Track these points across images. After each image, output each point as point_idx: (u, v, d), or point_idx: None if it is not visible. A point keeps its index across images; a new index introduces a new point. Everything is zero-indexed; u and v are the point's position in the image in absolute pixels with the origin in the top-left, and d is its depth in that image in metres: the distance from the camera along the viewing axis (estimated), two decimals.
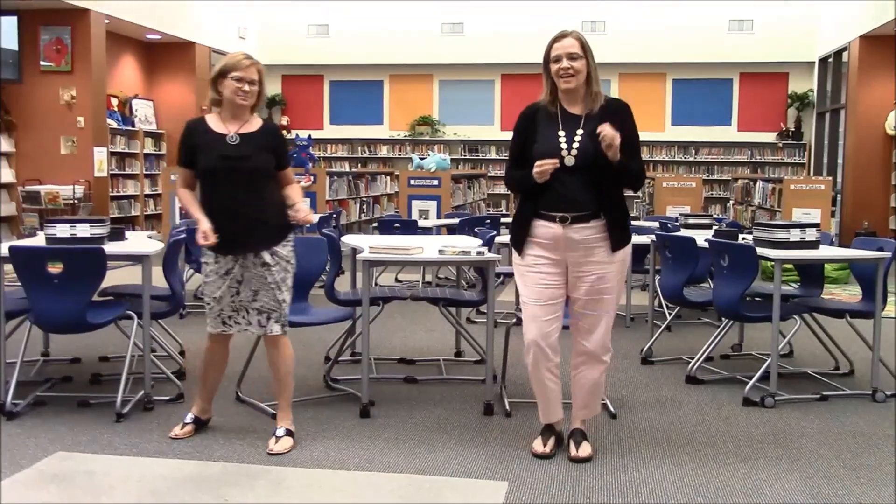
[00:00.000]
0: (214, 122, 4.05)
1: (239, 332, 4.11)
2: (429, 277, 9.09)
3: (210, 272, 4.04)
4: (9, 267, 4.47)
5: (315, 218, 3.94)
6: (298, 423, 4.33)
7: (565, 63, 3.73)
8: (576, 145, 3.74)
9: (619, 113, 3.82)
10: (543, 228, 3.80)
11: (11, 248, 4.40)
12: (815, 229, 5.17)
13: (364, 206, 13.26)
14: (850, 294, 8.44)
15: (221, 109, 4.06)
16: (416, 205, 10.94)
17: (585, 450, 3.92)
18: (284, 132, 17.52)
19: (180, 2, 14.41)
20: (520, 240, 3.87)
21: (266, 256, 3.98)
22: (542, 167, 3.69)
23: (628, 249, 3.90)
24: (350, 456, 3.92)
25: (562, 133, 3.77)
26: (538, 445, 3.95)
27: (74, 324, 4.49)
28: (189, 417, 4.21)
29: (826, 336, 5.60)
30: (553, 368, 3.91)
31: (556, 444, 3.99)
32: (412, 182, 11.15)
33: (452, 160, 15.86)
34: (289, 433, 4.06)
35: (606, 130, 3.61)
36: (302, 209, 4.06)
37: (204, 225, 3.91)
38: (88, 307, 4.46)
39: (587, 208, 3.75)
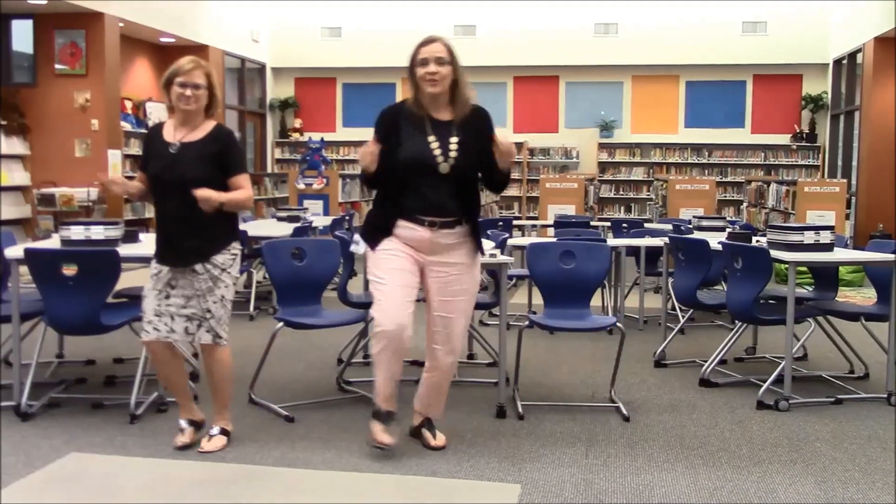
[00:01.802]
0: (168, 128, 4.01)
1: (158, 338, 3.94)
2: None
3: (152, 280, 3.99)
4: (24, 269, 4.49)
5: (216, 200, 3.80)
6: (312, 425, 4.34)
7: (432, 67, 3.75)
8: (453, 154, 3.79)
9: (484, 120, 3.90)
10: (409, 231, 3.84)
11: (27, 250, 4.43)
12: (829, 232, 5.15)
13: None
14: (864, 297, 8.40)
15: (175, 115, 4.01)
16: None
17: (441, 439, 4.08)
18: (297, 135, 17.60)
19: (193, 5, 14.46)
20: (376, 237, 3.88)
21: (199, 267, 3.91)
22: (366, 159, 3.74)
23: (479, 259, 4.02)
24: (362, 458, 3.92)
25: (432, 139, 3.80)
26: (379, 433, 3.94)
27: (89, 325, 4.51)
28: (183, 423, 4.11)
29: (841, 339, 5.57)
30: (405, 354, 3.98)
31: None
32: None
33: None
34: (224, 432, 4.07)
35: (504, 142, 3.72)
36: (207, 193, 3.80)
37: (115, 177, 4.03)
38: (103, 309, 4.49)
39: (455, 214, 3.84)
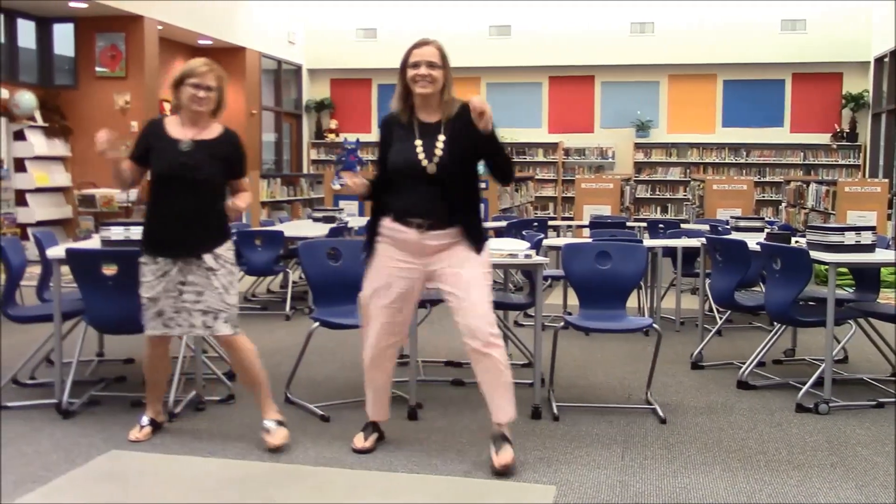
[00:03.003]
0: (173, 125, 4.06)
1: (181, 333, 4.14)
2: None
3: (147, 272, 4.03)
4: (65, 269, 4.56)
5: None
6: (346, 425, 4.36)
7: (423, 70, 3.75)
8: (438, 153, 3.78)
9: (467, 111, 3.78)
10: (397, 233, 3.85)
11: (68, 251, 4.50)
12: (870, 232, 5.07)
13: None
14: None
15: (181, 115, 4.07)
16: None
17: (505, 457, 3.82)
18: (333, 135, 17.70)
19: (231, 7, 14.60)
20: (370, 242, 3.95)
21: (210, 261, 3.99)
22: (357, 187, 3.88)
23: (486, 258, 3.89)
24: (397, 458, 3.93)
25: (419, 143, 3.81)
26: (358, 440, 4.05)
27: (128, 325, 4.55)
28: (145, 420, 4.20)
29: (882, 341, 5.48)
30: (390, 368, 4.05)
31: (375, 441, 4.08)
32: None
33: None
34: (280, 423, 4.10)
35: (475, 100, 3.65)
36: (236, 204, 4.09)
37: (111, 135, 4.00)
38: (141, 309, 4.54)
39: (442, 216, 3.80)
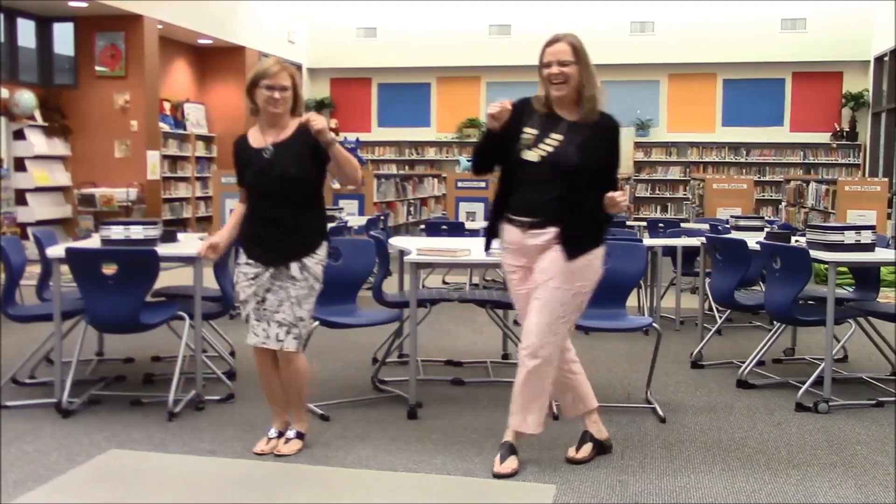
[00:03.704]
0: (255, 135, 4.00)
1: (258, 343, 3.95)
2: (476, 279, 9.09)
3: (240, 273, 3.99)
4: (65, 268, 4.57)
5: (322, 123, 3.81)
6: (347, 424, 4.36)
7: (555, 69, 3.66)
8: (548, 147, 3.66)
9: (607, 132, 3.73)
10: (506, 232, 3.79)
11: (68, 250, 4.51)
12: (870, 231, 5.07)
13: (411, 209, 13.30)
14: None
15: (259, 119, 4.00)
16: (464, 207, 10.94)
17: (585, 450, 3.91)
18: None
19: (231, 7, 14.60)
20: (488, 242, 3.92)
21: (295, 270, 3.88)
22: (493, 110, 3.63)
23: (589, 263, 3.72)
24: (398, 457, 3.94)
25: (532, 130, 3.69)
26: (570, 451, 3.94)
27: (128, 324, 4.57)
28: (273, 432, 4.06)
29: (882, 340, 5.48)
30: (562, 364, 3.90)
31: (592, 451, 3.94)
32: (459, 184, 11.15)
33: None
34: (299, 435, 4.02)
35: (615, 198, 3.60)
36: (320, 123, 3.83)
37: (210, 240, 4.02)
38: (141, 308, 4.55)
39: (545, 215, 3.67)
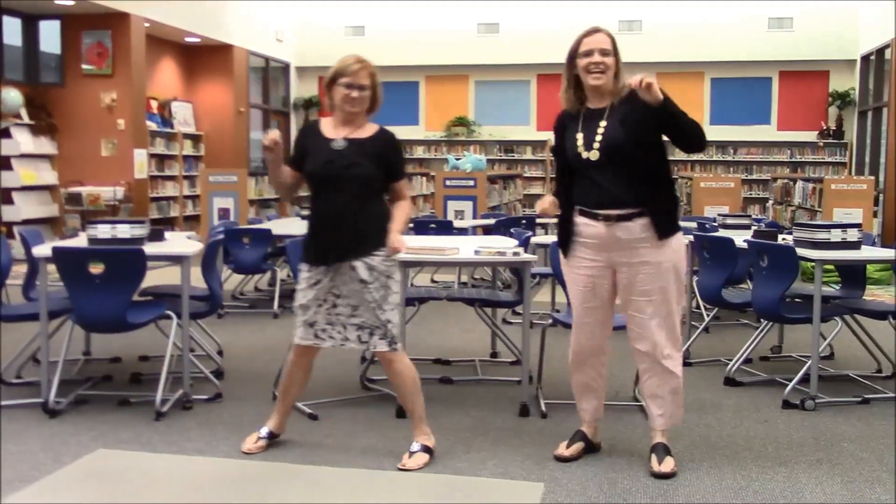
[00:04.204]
0: (327, 126, 3.90)
1: (333, 345, 3.90)
2: (464, 278, 9.09)
3: (301, 279, 3.89)
4: (52, 267, 4.55)
5: (404, 247, 3.82)
6: (335, 422, 4.36)
7: (597, 58, 3.62)
8: (598, 138, 3.66)
9: (641, 103, 3.61)
10: (586, 227, 3.73)
11: (54, 249, 4.48)
12: (856, 229, 5.10)
13: None
14: (892, 295, 8.30)
15: (335, 115, 3.90)
16: (452, 205, 10.94)
17: (668, 464, 3.73)
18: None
19: (219, 5, 14.55)
20: (565, 240, 3.84)
21: (363, 272, 3.76)
22: (544, 208, 3.81)
23: (678, 245, 3.74)
24: (386, 456, 3.93)
25: (580, 135, 3.71)
26: (561, 448, 3.93)
27: (115, 323, 4.55)
28: (264, 432, 4.04)
29: (868, 338, 5.51)
30: (600, 368, 3.93)
31: (581, 450, 3.93)
32: (448, 183, 11.15)
33: (488, 161, 15.84)
34: (425, 449, 3.87)
35: (635, 77, 3.50)
36: (395, 238, 3.80)
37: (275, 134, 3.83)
38: (129, 307, 4.53)
39: (629, 204, 3.64)
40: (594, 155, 3.66)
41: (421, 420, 3.94)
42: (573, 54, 3.71)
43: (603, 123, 3.67)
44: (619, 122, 3.65)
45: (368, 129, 3.88)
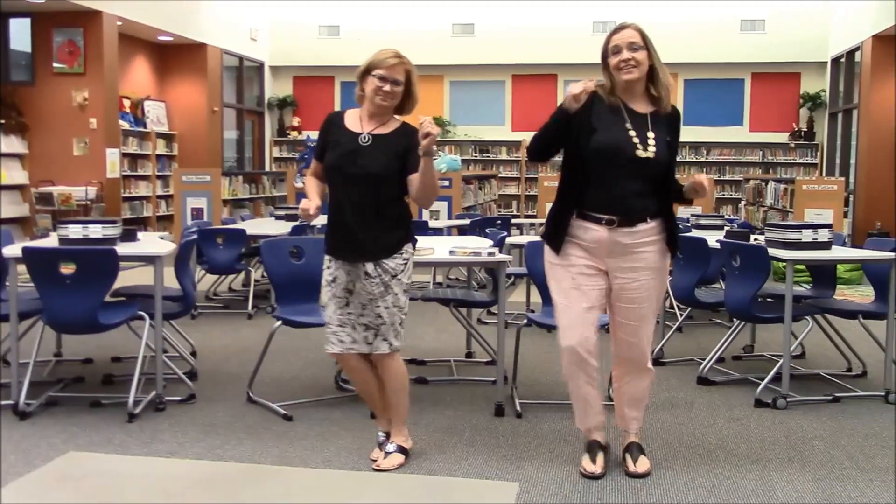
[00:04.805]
0: (352, 119, 3.81)
1: (345, 350, 3.79)
2: (440, 278, 9.10)
3: (324, 274, 3.85)
4: (22, 268, 4.50)
5: (437, 130, 3.63)
6: (310, 423, 4.34)
7: (626, 54, 3.52)
8: (651, 145, 3.53)
9: (675, 122, 3.67)
10: (584, 231, 3.59)
11: (24, 249, 4.43)
12: (827, 230, 5.15)
13: None
14: (862, 295, 8.40)
15: (363, 107, 3.82)
16: None
17: (643, 464, 3.73)
18: (295, 133, 17.61)
19: (192, 3, 14.45)
20: (557, 238, 3.65)
21: (369, 267, 3.71)
22: (578, 89, 3.45)
23: (668, 258, 3.73)
24: (361, 456, 3.92)
25: (630, 127, 3.54)
26: (587, 464, 3.73)
27: (87, 324, 4.51)
28: (381, 436, 3.96)
29: (839, 337, 5.57)
30: (592, 373, 3.74)
31: (605, 461, 3.78)
32: None
33: (463, 161, 15.85)
34: (401, 450, 3.85)
35: (706, 184, 3.56)
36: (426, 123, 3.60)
37: (306, 203, 3.74)
38: (101, 308, 4.49)
39: (637, 211, 3.56)
40: (644, 154, 3.51)
41: (401, 421, 3.92)
42: (605, 54, 3.61)
43: (651, 134, 3.55)
44: (663, 139, 3.58)
45: (392, 125, 3.80)
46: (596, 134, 3.54)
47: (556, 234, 3.65)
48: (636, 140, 3.53)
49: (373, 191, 3.70)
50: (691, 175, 3.64)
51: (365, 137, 3.74)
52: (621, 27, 3.63)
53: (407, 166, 3.72)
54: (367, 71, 3.72)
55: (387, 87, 3.69)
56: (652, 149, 3.54)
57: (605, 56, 3.62)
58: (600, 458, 3.76)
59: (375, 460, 3.84)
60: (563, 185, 3.69)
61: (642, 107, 3.62)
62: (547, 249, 3.72)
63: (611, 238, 3.57)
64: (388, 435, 3.94)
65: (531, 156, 3.75)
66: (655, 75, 3.61)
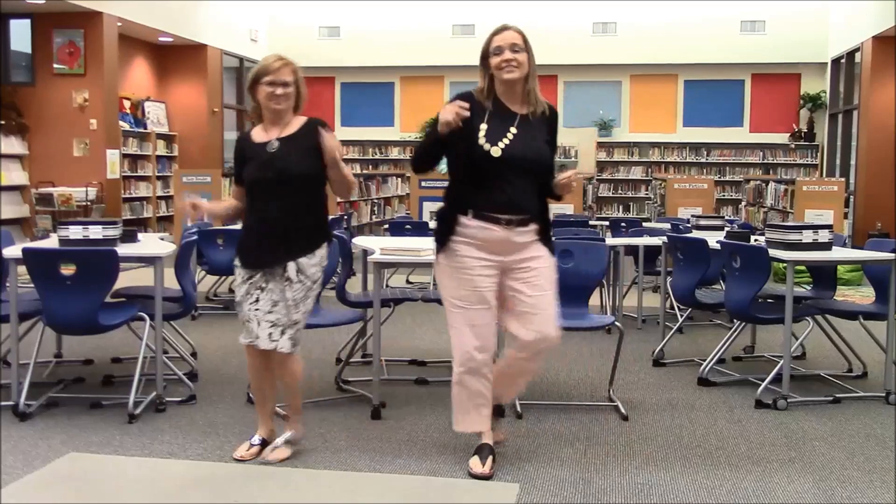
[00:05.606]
0: (258, 133, 3.88)
1: (250, 343, 3.86)
2: None
3: (237, 273, 3.90)
4: (22, 268, 4.49)
5: (338, 145, 3.79)
6: (310, 424, 4.34)
7: (508, 54, 3.62)
8: (504, 143, 3.60)
9: (553, 121, 3.78)
10: (482, 231, 3.63)
11: (25, 250, 4.43)
12: (827, 231, 5.15)
13: (375, 208, 13.27)
14: (863, 296, 8.40)
15: (263, 117, 3.88)
16: (427, 206, 10.93)
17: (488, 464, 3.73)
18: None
19: (192, 4, 14.45)
20: (446, 239, 3.68)
21: (291, 271, 3.76)
22: (451, 111, 3.52)
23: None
24: (361, 457, 3.92)
25: (483, 126, 3.61)
26: (476, 465, 3.72)
27: (87, 325, 4.51)
28: (256, 439, 3.97)
29: (839, 338, 5.57)
30: (489, 375, 3.75)
31: (494, 460, 3.75)
32: (423, 184, 11.15)
33: None
34: (288, 443, 3.93)
35: (571, 180, 3.66)
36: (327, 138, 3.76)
37: (181, 202, 3.85)
38: (101, 309, 4.48)
39: (528, 210, 3.66)
40: (496, 151, 3.59)
41: (295, 413, 3.98)
42: (485, 54, 3.72)
43: (513, 129, 3.65)
44: (538, 139, 3.68)
45: (296, 123, 3.87)
46: (483, 138, 3.62)
47: (446, 236, 3.70)
48: (483, 139, 3.61)
49: (292, 191, 3.77)
50: (565, 174, 3.71)
51: (272, 144, 3.81)
52: (503, 28, 3.74)
53: (323, 160, 3.80)
54: (255, 81, 3.82)
55: (279, 91, 3.77)
56: (537, 149, 3.66)
57: (485, 56, 3.72)
58: (489, 460, 3.73)
59: (240, 459, 3.86)
60: (453, 187, 3.76)
61: (520, 108, 3.72)
62: (437, 253, 3.75)
63: (508, 237, 3.65)
64: (264, 442, 3.95)
65: (415, 170, 3.90)
66: (528, 78, 3.70)
